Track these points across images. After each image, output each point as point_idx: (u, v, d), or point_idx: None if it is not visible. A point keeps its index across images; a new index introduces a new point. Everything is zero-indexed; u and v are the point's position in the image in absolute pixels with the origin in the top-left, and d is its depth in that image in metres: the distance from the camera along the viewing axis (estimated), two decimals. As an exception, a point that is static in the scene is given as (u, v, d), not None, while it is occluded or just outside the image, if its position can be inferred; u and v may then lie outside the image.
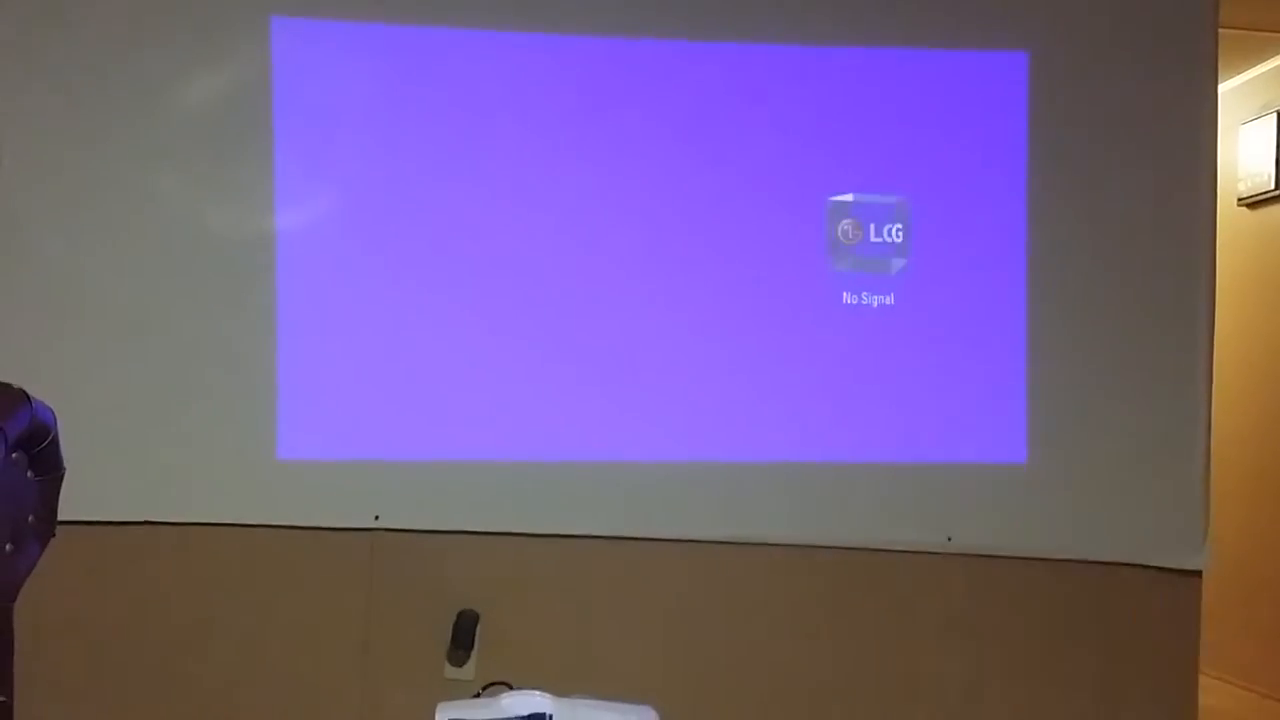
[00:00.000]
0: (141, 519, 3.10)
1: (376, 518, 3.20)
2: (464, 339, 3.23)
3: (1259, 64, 4.90)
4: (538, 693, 2.30)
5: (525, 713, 2.23)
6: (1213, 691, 4.72)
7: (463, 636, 3.22)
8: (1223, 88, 3.69)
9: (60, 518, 2.10)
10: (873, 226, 3.35)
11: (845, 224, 3.34)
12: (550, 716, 2.22)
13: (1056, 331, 3.36)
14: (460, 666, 3.23)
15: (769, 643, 3.32)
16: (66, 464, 2.04)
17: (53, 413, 1.96)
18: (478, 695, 2.67)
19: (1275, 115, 4.77)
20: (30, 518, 1.93)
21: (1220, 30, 3.43)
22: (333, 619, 3.23)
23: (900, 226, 3.35)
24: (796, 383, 3.32)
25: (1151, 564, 3.33)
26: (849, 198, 3.35)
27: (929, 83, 3.36)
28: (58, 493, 2.02)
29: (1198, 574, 3.38)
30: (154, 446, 3.12)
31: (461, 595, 3.25)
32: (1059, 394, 3.35)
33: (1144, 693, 3.38)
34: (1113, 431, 3.35)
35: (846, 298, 3.35)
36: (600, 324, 3.27)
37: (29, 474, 1.92)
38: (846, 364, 3.34)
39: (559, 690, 2.34)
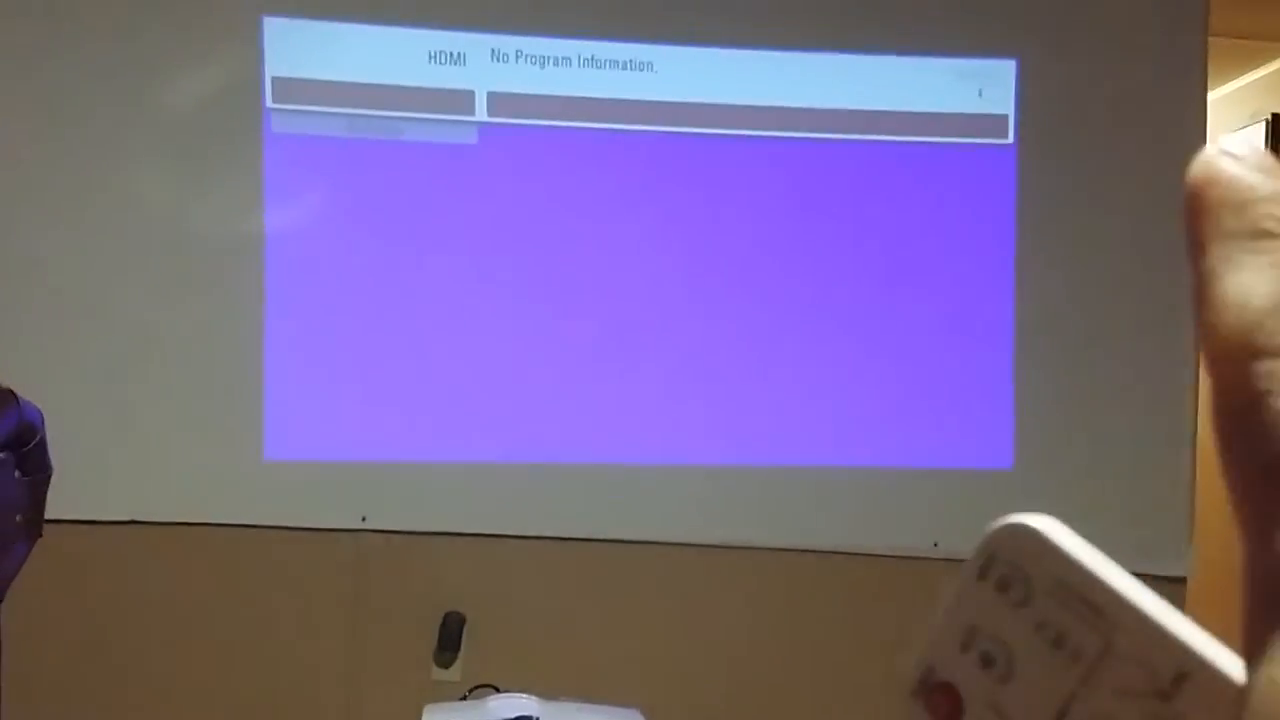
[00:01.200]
0: (128, 519, 3.10)
1: (364, 519, 3.20)
2: (453, 340, 3.23)
3: (1248, 72, 4.92)
4: (524, 695, 2.31)
5: (512, 715, 2.24)
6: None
7: (449, 638, 3.22)
8: (1212, 95, 3.71)
9: (47, 517, 2.10)
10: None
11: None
12: (537, 719, 2.23)
13: (1043, 337, 3.37)
14: (447, 669, 3.23)
15: (755, 647, 3.33)
16: (54, 464, 2.04)
17: (40, 413, 1.96)
18: (464, 698, 2.67)
19: (1264, 123, 4.79)
20: (18, 518, 1.93)
21: (1209, 38, 3.44)
22: (318, 620, 3.22)
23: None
24: (783, 387, 3.32)
25: (1136, 570, 3.33)
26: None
27: (918, 87, 3.37)
28: (45, 493, 2.02)
29: (1182, 580, 3.39)
30: (141, 447, 3.12)
31: (448, 597, 3.25)
32: (1046, 400, 3.36)
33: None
34: (1099, 438, 3.36)
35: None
36: (590, 327, 3.27)
37: (16, 474, 1.92)
38: (833, 368, 3.34)
39: (546, 693, 2.35)
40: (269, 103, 3.16)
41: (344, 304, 3.20)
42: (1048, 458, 3.35)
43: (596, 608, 3.30)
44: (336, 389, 3.19)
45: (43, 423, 1.96)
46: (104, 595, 3.14)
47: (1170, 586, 3.38)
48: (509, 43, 3.23)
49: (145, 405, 3.12)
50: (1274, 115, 4.79)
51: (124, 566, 3.14)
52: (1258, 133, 4.83)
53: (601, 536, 3.26)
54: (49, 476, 2.00)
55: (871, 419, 3.35)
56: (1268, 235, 0.28)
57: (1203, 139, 3.43)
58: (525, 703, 2.27)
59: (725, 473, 3.29)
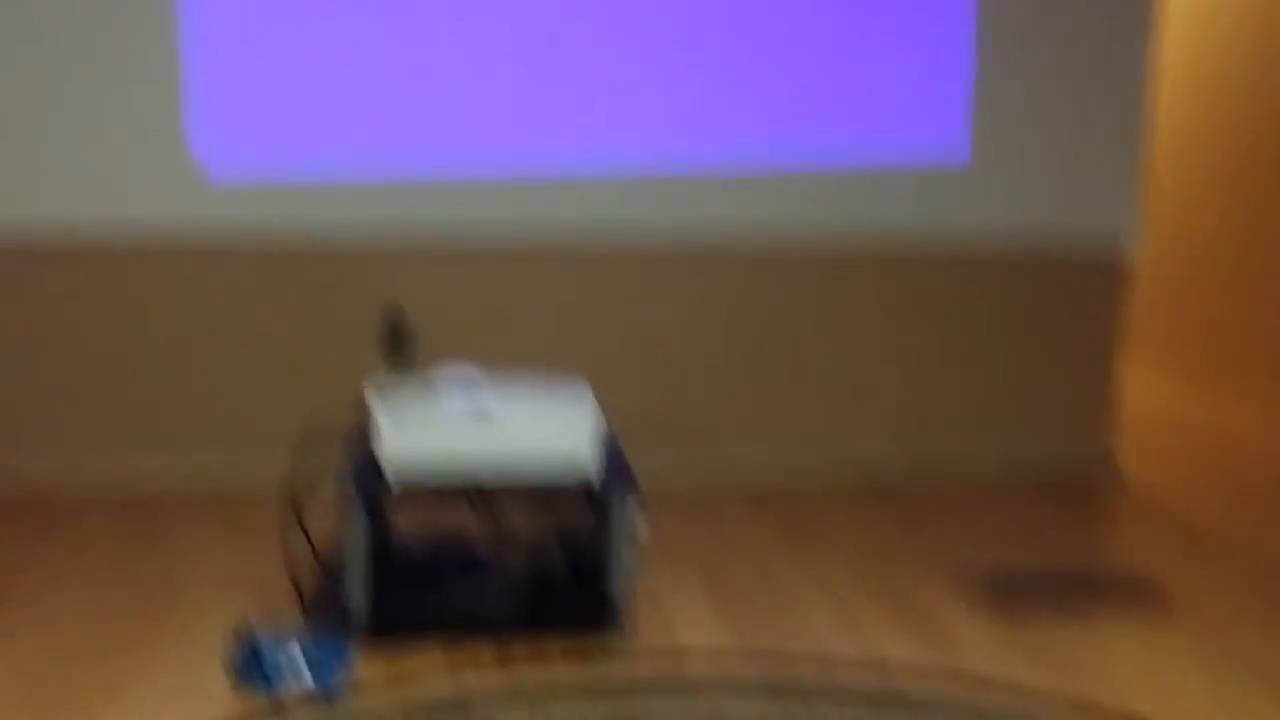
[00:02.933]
0: (59, 221, 3.03)
1: (306, 232, 3.12)
2: (388, 42, 3.07)
3: None
4: (468, 366, 2.32)
5: (455, 380, 2.24)
6: (1141, 386, 4.89)
7: (394, 338, 3.19)
8: None
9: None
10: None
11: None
12: (483, 401, 2.24)
13: (1002, 33, 3.29)
14: (397, 370, 3.23)
15: (708, 340, 3.34)
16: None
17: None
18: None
19: None
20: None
21: None
22: (266, 336, 3.19)
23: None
24: (738, 85, 3.20)
25: (1090, 245, 3.37)
26: None
27: None
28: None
29: (1126, 269, 3.43)
30: (71, 154, 3.02)
31: (397, 304, 3.21)
32: (1002, 91, 3.32)
33: (1066, 378, 3.48)
34: (1055, 124, 3.35)
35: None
36: (539, 17, 3.11)
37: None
38: (789, 67, 3.22)
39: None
40: None
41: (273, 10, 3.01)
42: (1003, 149, 3.32)
43: (546, 313, 3.27)
44: (271, 101, 3.04)
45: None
46: (40, 315, 3.10)
47: (1115, 274, 3.43)
48: None
49: (72, 115, 3.00)
50: None
51: (62, 288, 3.10)
52: None
53: (551, 243, 3.22)
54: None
55: (829, 118, 3.26)
56: None
57: None
58: (469, 371, 2.28)
59: (679, 181, 3.22)
